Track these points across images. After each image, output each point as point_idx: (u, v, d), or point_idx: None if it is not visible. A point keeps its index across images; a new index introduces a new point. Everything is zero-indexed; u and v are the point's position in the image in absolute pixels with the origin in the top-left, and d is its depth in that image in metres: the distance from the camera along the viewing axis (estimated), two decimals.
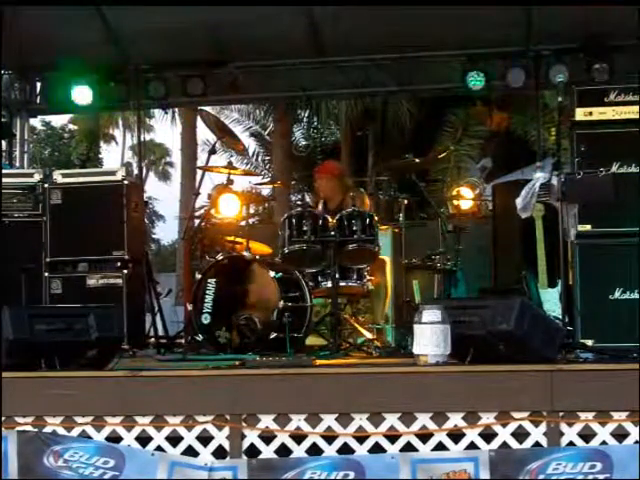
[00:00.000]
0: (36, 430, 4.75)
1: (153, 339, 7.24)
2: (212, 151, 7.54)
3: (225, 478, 4.59)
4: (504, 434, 4.53)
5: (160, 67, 8.28)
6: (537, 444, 4.52)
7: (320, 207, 7.00)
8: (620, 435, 4.49)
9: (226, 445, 4.67)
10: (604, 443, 4.48)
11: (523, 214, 5.83)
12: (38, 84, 8.89)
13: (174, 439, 4.71)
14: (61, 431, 4.75)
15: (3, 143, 8.64)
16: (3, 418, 4.74)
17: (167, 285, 9.33)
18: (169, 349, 6.96)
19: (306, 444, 4.63)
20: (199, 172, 8.78)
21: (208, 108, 10.31)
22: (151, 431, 4.71)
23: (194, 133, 20.45)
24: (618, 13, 7.07)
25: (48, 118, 28.25)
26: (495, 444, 4.53)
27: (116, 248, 6.95)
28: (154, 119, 30.16)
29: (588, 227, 5.67)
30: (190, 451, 4.70)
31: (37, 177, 7.15)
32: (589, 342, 5.53)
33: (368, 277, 6.57)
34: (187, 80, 8.36)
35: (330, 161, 9.87)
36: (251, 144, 20.50)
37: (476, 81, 7.90)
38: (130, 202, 7.05)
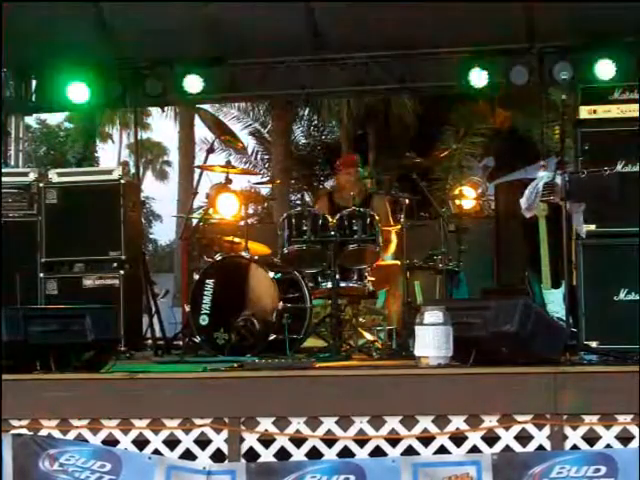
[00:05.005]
0: (31, 433, 4.70)
1: (150, 341, 7.22)
2: (210, 150, 7.48)
3: None
4: (507, 437, 4.48)
5: (158, 64, 8.22)
6: (540, 447, 4.47)
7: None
8: (625, 438, 4.44)
9: (224, 448, 4.63)
10: (609, 446, 4.43)
11: (527, 214, 5.81)
12: (33, 82, 8.82)
13: (171, 442, 4.67)
14: (57, 434, 4.71)
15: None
16: None
17: (164, 286, 9.27)
18: (166, 351, 6.93)
19: (306, 447, 4.58)
20: (197, 171, 8.72)
21: (207, 106, 10.28)
22: (148, 434, 4.67)
23: (192, 131, 20.43)
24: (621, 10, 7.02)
25: (44, 116, 28.22)
26: (498, 447, 4.48)
27: (113, 248, 6.92)
28: (151, 117, 30.24)
29: (592, 227, 5.64)
30: (188, 455, 4.65)
31: (32, 176, 7.12)
32: (593, 344, 5.50)
33: (369, 278, 6.51)
34: (185, 78, 8.30)
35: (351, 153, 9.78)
36: (250, 142, 20.51)
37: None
38: (127, 202, 7.02)
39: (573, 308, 5.66)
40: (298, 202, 7.09)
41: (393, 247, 6.92)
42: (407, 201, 6.65)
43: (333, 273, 6.25)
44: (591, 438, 4.45)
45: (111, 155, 36.05)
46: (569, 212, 5.64)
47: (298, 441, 4.58)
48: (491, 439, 4.49)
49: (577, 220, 5.64)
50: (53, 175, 7.12)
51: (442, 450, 4.50)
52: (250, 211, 7.01)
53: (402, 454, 4.51)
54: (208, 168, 7.13)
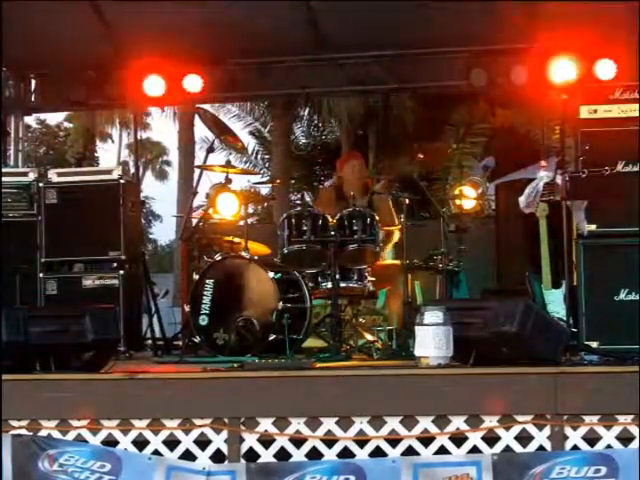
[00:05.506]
0: (31, 434, 4.69)
1: (150, 341, 7.20)
2: (210, 149, 7.46)
3: None
4: (507, 438, 4.48)
5: (157, 64, 8.20)
6: (541, 448, 4.47)
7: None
8: (625, 439, 4.43)
9: (224, 449, 4.62)
10: (609, 447, 4.43)
11: (527, 210, 5.80)
12: (33, 81, 8.81)
13: (171, 443, 4.66)
14: (56, 435, 4.70)
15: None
16: None
17: (164, 286, 9.25)
18: (166, 351, 6.90)
19: (306, 448, 4.58)
20: (197, 171, 8.70)
21: (207, 105, 10.25)
22: (148, 435, 4.67)
23: (192, 131, 20.40)
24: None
25: (43, 116, 28.18)
26: (498, 448, 4.48)
27: (112, 248, 6.91)
28: (151, 117, 30.21)
29: (593, 227, 5.62)
30: (188, 455, 4.65)
31: (32, 176, 7.11)
32: (594, 344, 5.49)
33: (369, 278, 6.50)
34: (185, 77, 8.28)
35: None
36: (250, 142, 20.49)
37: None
38: (127, 202, 7.01)
39: (573, 308, 5.66)
40: (298, 202, 7.06)
41: (394, 240, 6.90)
42: (407, 201, 6.65)
43: (333, 273, 6.24)
44: (591, 438, 4.45)
45: (111, 155, 36.00)
46: (570, 210, 5.64)
47: (298, 441, 4.57)
48: (491, 439, 4.48)
49: (578, 217, 5.63)
50: (53, 175, 7.11)
51: (442, 450, 4.50)
52: (250, 211, 6.99)
53: (402, 454, 4.50)
54: (208, 168, 7.11)
